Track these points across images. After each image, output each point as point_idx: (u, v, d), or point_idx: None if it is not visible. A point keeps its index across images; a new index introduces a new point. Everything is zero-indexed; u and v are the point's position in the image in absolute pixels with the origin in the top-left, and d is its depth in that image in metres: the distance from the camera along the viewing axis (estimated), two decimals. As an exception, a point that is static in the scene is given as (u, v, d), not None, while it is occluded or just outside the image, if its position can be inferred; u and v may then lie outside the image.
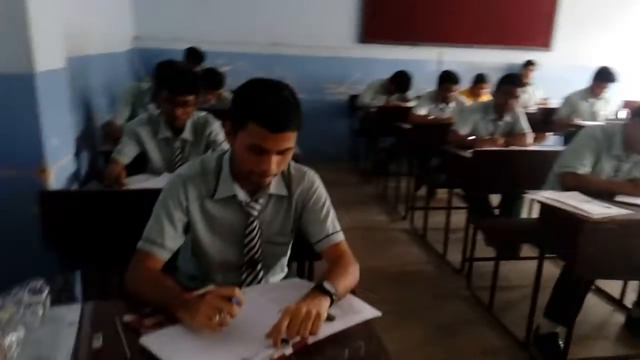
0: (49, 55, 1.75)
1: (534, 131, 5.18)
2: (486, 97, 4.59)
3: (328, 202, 1.43)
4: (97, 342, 1.02)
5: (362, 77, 5.66)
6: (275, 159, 1.20)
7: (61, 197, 1.71)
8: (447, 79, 4.17)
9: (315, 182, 1.42)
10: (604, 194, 2.17)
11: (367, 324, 1.14)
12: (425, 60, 5.85)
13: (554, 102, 5.29)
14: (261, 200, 1.35)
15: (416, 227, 3.78)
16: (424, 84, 5.56)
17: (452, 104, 4.24)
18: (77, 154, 2.85)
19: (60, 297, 1.41)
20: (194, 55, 4.67)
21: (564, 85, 5.40)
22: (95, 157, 2.94)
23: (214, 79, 3.74)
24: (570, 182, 2.27)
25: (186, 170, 1.35)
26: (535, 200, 2.24)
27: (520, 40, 6.07)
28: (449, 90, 4.18)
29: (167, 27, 5.14)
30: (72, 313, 1.13)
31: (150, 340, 1.02)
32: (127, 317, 1.10)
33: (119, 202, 1.74)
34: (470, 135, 3.30)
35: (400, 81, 4.90)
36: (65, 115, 1.93)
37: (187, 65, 2.39)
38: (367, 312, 1.19)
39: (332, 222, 1.40)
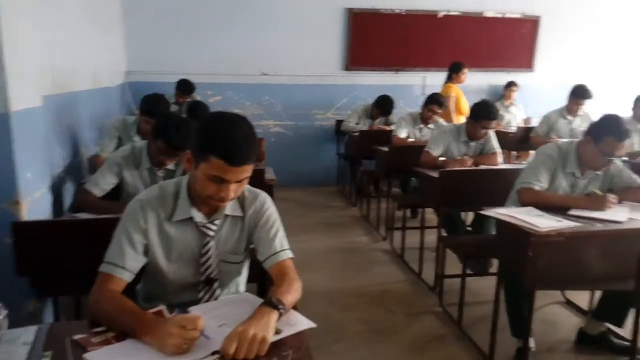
0: (24, 95, 1.88)
1: (516, 150, 5.35)
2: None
3: (278, 222, 1.52)
4: (46, 360, 1.12)
5: (348, 102, 5.84)
6: (233, 187, 1.32)
7: (32, 228, 1.81)
8: (434, 101, 4.30)
9: (266, 203, 1.52)
10: (561, 208, 2.26)
11: (299, 334, 1.23)
12: (410, 85, 6.04)
13: (536, 121, 5.41)
14: (217, 221, 1.45)
15: (395, 247, 3.87)
16: (410, 107, 5.74)
17: (430, 126, 4.36)
18: (62, 186, 3.01)
19: (30, 321, 1.50)
20: (184, 86, 4.87)
21: (547, 104, 5.54)
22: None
23: (197, 111, 3.87)
24: (527, 198, 2.37)
25: (145, 195, 1.45)
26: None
27: (502, 62, 6.25)
28: (433, 112, 4.31)
29: (159, 61, 5.36)
30: (27, 334, 1.22)
31: (93, 356, 1.12)
32: (77, 337, 1.20)
33: (88, 230, 1.84)
34: (443, 156, 3.42)
35: (383, 105, 5.06)
36: (41, 151, 2.05)
37: (184, 119, 2.47)
38: (302, 324, 1.28)
39: (280, 241, 1.49)
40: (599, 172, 2.43)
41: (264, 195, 1.54)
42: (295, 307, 1.35)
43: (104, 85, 4.28)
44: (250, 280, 1.68)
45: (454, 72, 5.21)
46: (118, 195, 2.40)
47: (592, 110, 4.66)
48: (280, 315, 1.23)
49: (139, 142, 2.61)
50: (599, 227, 2.06)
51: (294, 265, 1.47)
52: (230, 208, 1.46)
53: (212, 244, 1.46)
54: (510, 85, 5.88)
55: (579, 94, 4.61)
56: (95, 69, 4.01)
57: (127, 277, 1.37)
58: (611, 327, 2.50)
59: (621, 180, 2.45)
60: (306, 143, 5.94)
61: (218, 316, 1.27)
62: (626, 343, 2.40)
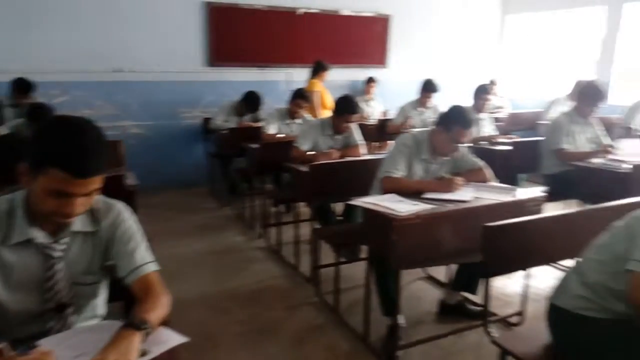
0: None
1: (376, 141, 5.71)
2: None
3: (138, 234, 1.40)
4: None
5: (215, 99, 5.66)
6: (79, 201, 1.16)
7: None
8: (300, 96, 4.36)
9: (122, 214, 1.38)
10: (417, 192, 2.45)
11: (171, 351, 1.15)
12: (275, 81, 6.07)
13: (393, 114, 5.83)
14: (64, 240, 1.29)
15: (272, 244, 3.87)
16: (277, 103, 5.77)
17: (298, 121, 4.43)
18: None
19: None
20: (21, 86, 4.29)
21: (401, 98, 5.98)
22: None
23: (40, 115, 3.43)
24: (388, 186, 2.53)
25: None
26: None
27: (360, 59, 6.59)
28: (299, 107, 4.37)
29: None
30: None
31: None
32: None
33: None
34: (312, 150, 3.50)
35: (251, 101, 5.02)
36: None
37: (16, 139, 2.04)
38: (173, 339, 1.20)
39: (142, 254, 1.37)
40: (447, 158, 2.69)
41: (119, 205, 1.40)
42: (165, 322, 1.26)
43: None
44: (114, 298, 1.54)
45: (320, 70, 5.39)
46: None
47: (440, 102, 5.17)
48: (147, 334, 1.14)
49: None
50: (449, 207, 2.27)
51: (163, 276, 1.37)
52: (79, 223, 1.30)
53: (59, 266, 1.29)
54: (371, 81, 6.23)
55: (428, 88, 5.11)
56: None
57: None
58: (467, 295, 2.79)
59: (466, 164, 2.74)
60: (172, 143, 5.64)
61: (73, 346, 1.13)
62: (479, 308, 2.70)
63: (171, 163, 5.62)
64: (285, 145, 3.61)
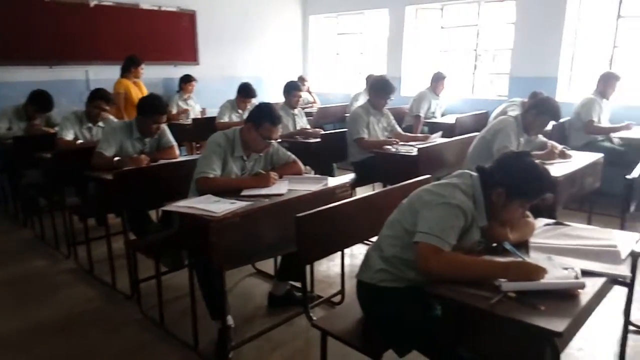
0: None
1: (195, 141, 5.56)
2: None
3: None
4: None
5: (-8, 104, 4.79)
6: None
7: None
8: (100, 97, 3.91)
9: None
10: (235, 191, 2.43)
11: None
12: (72, 80, 5.44)
13: (211, 112, 5.72)
14: None
15: (82, 264, 3.47)
16: (76, 105, 5.15)
17: (101, 124, 4.01)
18: None
19: None
20: None
21: (215, 96, 5.92)
22: None
23: None
24: (203, 186, 2.46)
25: None
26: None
27: (169, 55, 6.29)
28: (100, 108, 3.94)
29: None
30: None
31: None
32: None
33: None
34: (118, 156, 3.20)
35: (40, 101, 4.36)
36: None
37: None
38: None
39: None
40: (261, 154, 2.73)
41: None
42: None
43: None
44: None
45: (131, 66, 5.01)
46: None
47: (254, 99, 5.24)
48: None
49: None
50: (266, 202, 2.31)
51: None
52: None
53: None
54: (190, 79, 5.95)
55: (246, 93, 5.13)
56: None
57: None
58: (294, 283, 2.89)
59: (279, 158, 2.82)
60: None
61: None
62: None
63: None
64: (86, 152, 3.23)
